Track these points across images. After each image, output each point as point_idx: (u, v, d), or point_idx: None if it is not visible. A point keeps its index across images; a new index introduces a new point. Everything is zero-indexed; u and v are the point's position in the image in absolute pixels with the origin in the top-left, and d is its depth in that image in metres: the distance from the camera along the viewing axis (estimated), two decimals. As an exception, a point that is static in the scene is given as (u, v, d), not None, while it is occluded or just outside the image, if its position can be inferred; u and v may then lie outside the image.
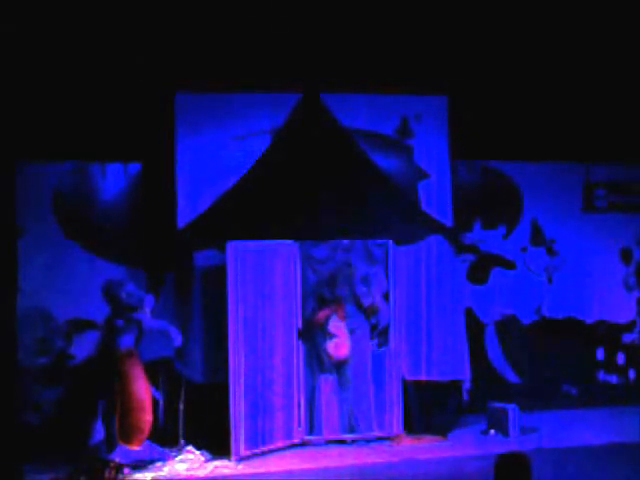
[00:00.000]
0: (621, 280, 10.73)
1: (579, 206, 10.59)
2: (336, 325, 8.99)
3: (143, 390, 8.24)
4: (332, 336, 8.97)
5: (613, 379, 10.65)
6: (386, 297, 9.11)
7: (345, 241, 9.14)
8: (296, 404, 8.86)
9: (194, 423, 8.54)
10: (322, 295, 9.03)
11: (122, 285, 8.49)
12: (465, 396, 9.78)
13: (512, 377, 10.34)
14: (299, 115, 8.98)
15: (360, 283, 9.11)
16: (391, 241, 9.15)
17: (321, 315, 8.99)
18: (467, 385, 9.74)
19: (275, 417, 8.68)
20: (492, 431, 9.18)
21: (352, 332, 9.04)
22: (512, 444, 8.59)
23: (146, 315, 8.49)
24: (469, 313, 9.93)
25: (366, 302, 9.07)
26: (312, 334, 8.97)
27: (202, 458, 8.36)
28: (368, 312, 9.08)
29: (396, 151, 9.44)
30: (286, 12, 8.36)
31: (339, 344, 8.98)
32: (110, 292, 8.43)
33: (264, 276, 8.67)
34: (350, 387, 9.01)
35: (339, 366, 8.99)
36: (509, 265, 10.38)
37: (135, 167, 9.17)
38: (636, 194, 10.71)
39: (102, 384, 8.20)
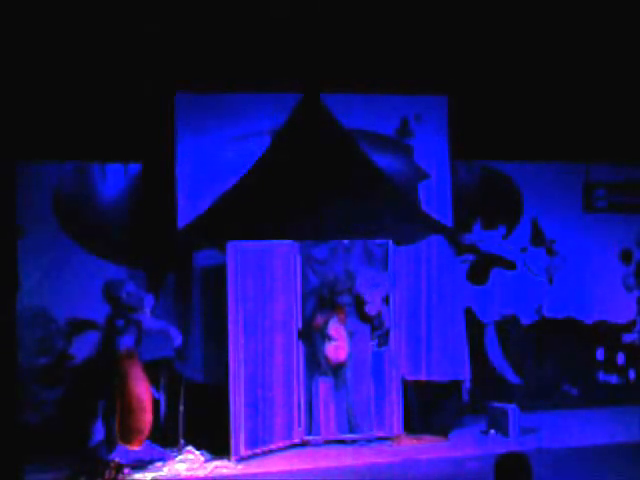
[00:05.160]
0: (621, 280, 10.73)
1: (579, 206, 10.59)
2: (336, 328, 8.97)
3: (143, 390, 8.25)
4: (331, 339, 8.95)
5: (613, 379, 10.65)
6: (386, 297, 9.10)
7: (345, 241, 9.14)
8: (296, 404, 8.86)
9: (194, 423, 8.54)
10: (322, 297, 9.02)
11: (122, 285, 8.50)
12: (465, 396, 9.77)
13: (512, 377, 10.34)
14: (299, 115, 8.98)
15: (359, 283, 9.11)
16: (391, 241, 9.15)
17: (320, 318, 8.97)
18: (467, 385, 9.73)
19: (275, 417, 8.68)
20: (492, 431, 9.18)
21: (352, 332, 9.03)
22: (512, 444, 8.59)
23: (146, 315, 8.50)
24: (469, 313, 9.93)
25: (371, 311, 9.03)
26: (311, 337, 8.96)
27: (202, 458, 8.37)
28: (372, 318, 9.06)
29: (396, 151, 9.44)
30: (286, 12, 8.36)
31: (338, 347, 8.95)
32: (110, 292, 8.43)
33: (264, 276, 8.67)
34: (346, 389, 9.00)
35: (337, 369, 8.98)
36: (509, 265, 10.37)
37: (135, 167, 9.17)
38: (636, 194, 10.71)
39: (102, 384, 8.21)
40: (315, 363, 8.96)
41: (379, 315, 9.05)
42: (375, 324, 9.06)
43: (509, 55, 9.20)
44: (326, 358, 8.93)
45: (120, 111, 8.67)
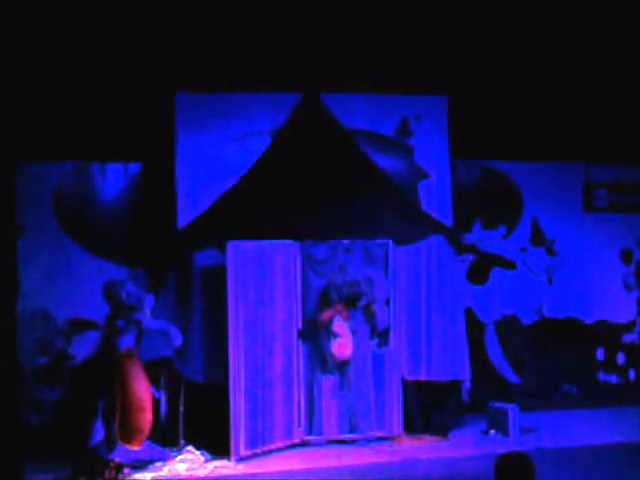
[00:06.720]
0: (621, 280, 10.74)
1: (579, 206, 10.59)
2: (340, 325, 8.97)
3: (143, 390, 8.24)
4: (336, 336, 8.95)
5: (613, 379, 10.65)
6: (386, 297, 9.10)
7: (345, 241, 9.14)
8: (296, 404, 8.86)
9: (194, 423, 8.54)
10: (328, 296, 9.01)
11: (122, 285, 8.48)
12: (465, 396, 9.77)
13: (512, 377, 10.34)
14: (299, 115, 8.98)
15: (360, 283, 9.11)
16: (391, 241, 9.14)
17: (325, 315, 8.98)
18: (467, 385, 9.73)
19: (275, 417, 8.67)
20: (492, 431, 9.18)
21: (354, 332, 9.03)
22: (512, 444, 8.59)
23: (146, 315, 8.49)
24: (469, 313, 9.93)
25: (361, 303, 9.06)
26: (316, 334, 8.96)
27: (202, 458, 8.36)
28: (366, 313, 9.07)
29: (396, 151, 9.45)
30: (286, 12, 8.36)
31: (343, 344, 8.95)
32: (110, 292, 8.42)
33: (264, 276, 8.67)
34: (352, 387, 9.01)
35: (341, 366, 8.98)
36: (509, 265, 10.38)
37: (135, 167, 9.18)
38: (636, 194, 10.72)
39: (102, 384, 8.20)
40: (321, 361, 8.95)
41: (370, 309, 9.05)
42: (372, 322, 9.05)
43: (509, 55, 9.21)
44: (332, 356, 8.93)
45: (120, 111, 8.68)
